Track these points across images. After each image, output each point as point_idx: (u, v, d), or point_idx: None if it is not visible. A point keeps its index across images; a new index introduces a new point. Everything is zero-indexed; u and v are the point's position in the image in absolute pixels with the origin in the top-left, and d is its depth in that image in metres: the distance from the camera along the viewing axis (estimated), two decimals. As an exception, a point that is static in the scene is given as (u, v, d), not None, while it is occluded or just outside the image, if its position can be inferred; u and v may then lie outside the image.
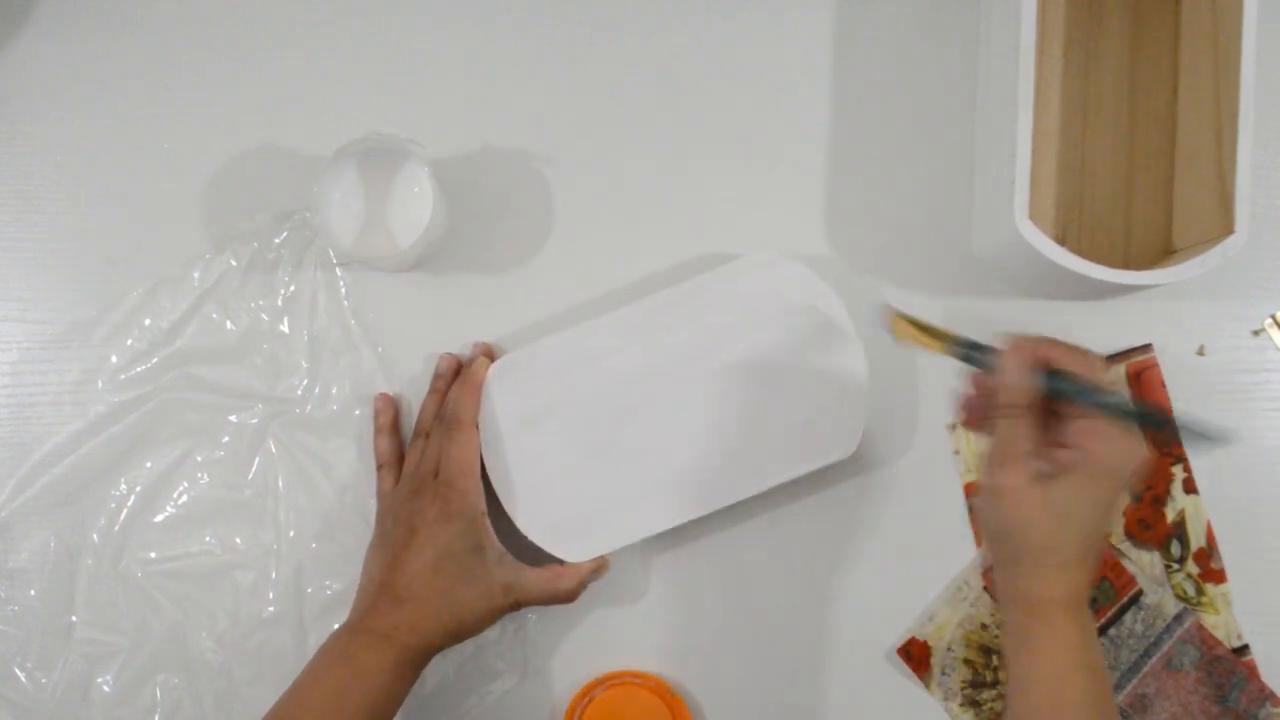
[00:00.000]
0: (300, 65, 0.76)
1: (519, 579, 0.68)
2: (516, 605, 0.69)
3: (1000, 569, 0.59)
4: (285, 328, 0.74)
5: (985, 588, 0.74)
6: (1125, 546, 0.74)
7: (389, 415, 0.73)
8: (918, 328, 0.62)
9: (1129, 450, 0.55)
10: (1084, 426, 0.56)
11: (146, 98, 0.76)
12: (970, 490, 0.74)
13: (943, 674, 0.74)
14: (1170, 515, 0.74)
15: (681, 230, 0.75)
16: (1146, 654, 0.73)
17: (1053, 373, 0.56)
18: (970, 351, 0.60)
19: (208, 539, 0.74)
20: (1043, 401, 0.57)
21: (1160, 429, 0.55)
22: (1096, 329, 0.75)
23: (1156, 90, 0.75)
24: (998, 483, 0.57)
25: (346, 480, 0.74)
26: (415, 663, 0.66)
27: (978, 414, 0.60)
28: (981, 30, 0.76)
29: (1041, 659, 0.57)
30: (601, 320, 0.71)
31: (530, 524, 0.70)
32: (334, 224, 0.71)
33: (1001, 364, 0.57)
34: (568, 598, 0.70)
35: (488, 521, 0.69)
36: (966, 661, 0.74)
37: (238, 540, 0.74)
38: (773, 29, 0.76)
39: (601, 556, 0.71)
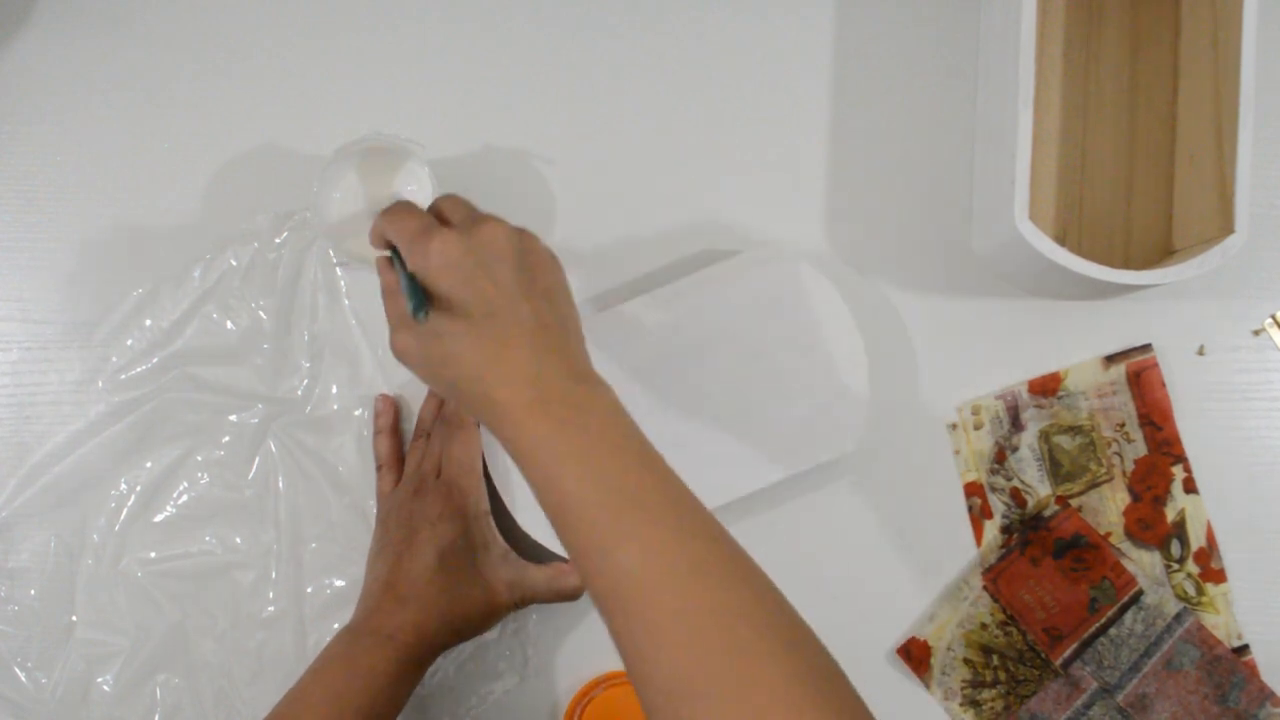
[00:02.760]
0: (300, 65, 0.76)
1: (523, 576, 0.68)
2: (522, 603, 0.69)
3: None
4: (286, 328, 0.74)
5: (985, 588, 0.74)
6: (1125, 546, 0.74)
7: (389, 416, 0.73)
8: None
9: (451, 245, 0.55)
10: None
11: (146, 98, 0.76)
12: (970, 490, 0.74)
13: (943, 674, 0.74)
14: (1170, 515, 0.74)
15: (682, 229, 0.75)
16: (1147, 654, 0.73)
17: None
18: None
19: (208, 539, 0.74)
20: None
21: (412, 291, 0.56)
22: (1096, 329, 0.75)
23: (1156, 90, 0.75)
24: (396, 346, 0.57)
25: (346, 480, 0.74)
26: (419, 663, 0.66)
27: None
28: (982, 30, 0.76)
29: (525, 466, 0.53)
30: (601, 318, 0.71)
31: (532, 522, 0.70)
32: (334, 224, 0.71)
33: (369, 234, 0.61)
34: (572, 595, 0.70)
35: (491, 520, 0.69)
36: (966, 661, 0.74)
37: (238, 540, 0.74)
38: (773, 28, 0.76)
39: (603, 555, 0.71)
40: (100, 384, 0.74)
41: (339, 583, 0.74)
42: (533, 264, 0.57)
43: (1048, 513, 0.74)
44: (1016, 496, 0.74)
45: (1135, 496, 0.74)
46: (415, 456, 0.71)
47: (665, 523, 0.50)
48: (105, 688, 0.73)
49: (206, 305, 0.74)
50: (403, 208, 0.59)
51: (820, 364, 0.70)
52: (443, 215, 0.58)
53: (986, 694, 0.74)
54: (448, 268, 0.55)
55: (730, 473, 0.70)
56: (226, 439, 0.74)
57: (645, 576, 0.49)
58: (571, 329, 0.57)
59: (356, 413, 0.74)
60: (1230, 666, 0.73)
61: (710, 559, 0.50)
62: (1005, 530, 0.74)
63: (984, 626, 0.74)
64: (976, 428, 0.75)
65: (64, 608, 0.73)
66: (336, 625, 0.73)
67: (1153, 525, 0.74)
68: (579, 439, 0.52)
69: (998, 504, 0.74)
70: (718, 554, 0.50)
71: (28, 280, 0.75)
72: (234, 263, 0.74)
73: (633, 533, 0.50)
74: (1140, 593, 0.73)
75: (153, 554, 0.74)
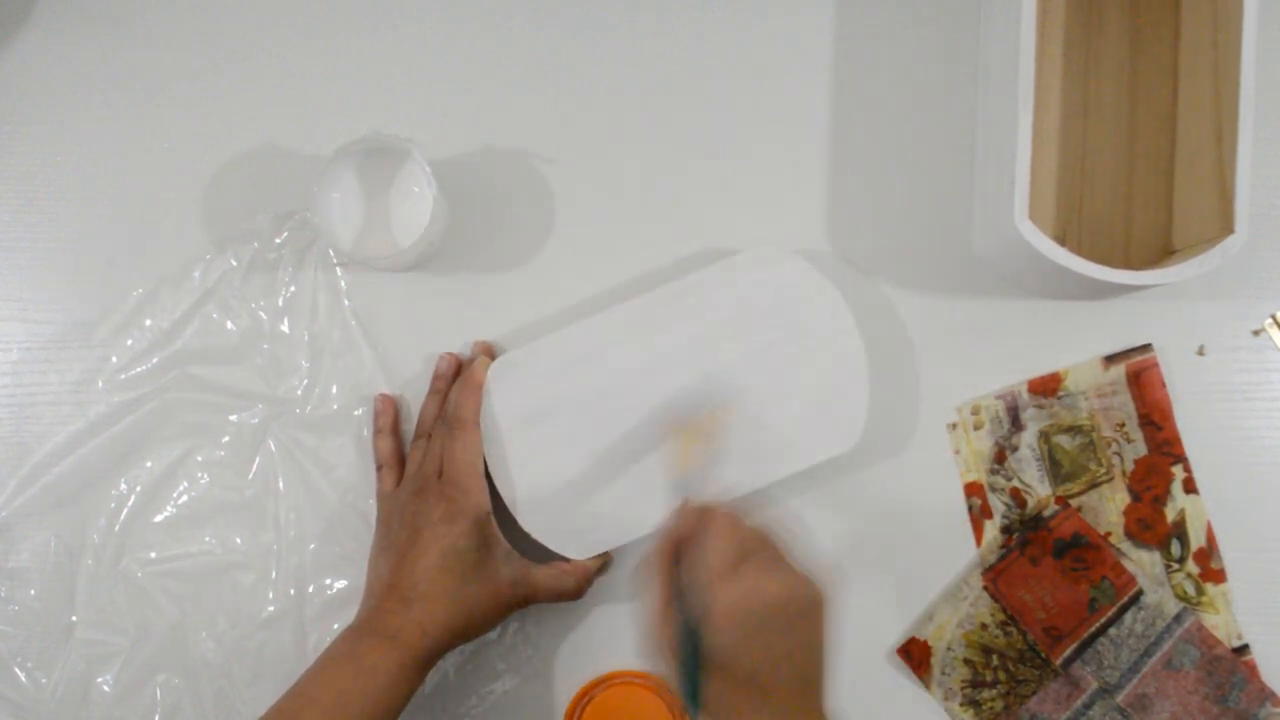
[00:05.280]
0: (300, 65, 0.76)
1: (526, 576, 0.68)
2: (524, 602, 0.69)
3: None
4: (285, 328, 0.74)
5: (985, 588, 0.74)
6: (1125, 546, 0.74)
7: (389, 416, 0.73)
8: (687, 443, 0.65)
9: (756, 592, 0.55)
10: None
11: (146, 98, 0.76)
12: (970, 490, 0.74)
13: (943, 674, 0.74)
14: (1170, 515, 0.74)
15: (682, 229, 0.75)
16: (1146, 654, 0.73)
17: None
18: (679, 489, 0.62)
19: (208, 539, 0.74)
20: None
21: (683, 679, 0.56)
22: (1096, 329, 0.75)
23: (1156, 90, 0.75)
24: (653, 633, 0.57)
25: (346, 480, 0.74)
26: (422, 664, 0.66)
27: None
28: (982, 30, 0.76)
29: None
30: (602, 317, 0.71)
31: (533, 522, 0.70)
32: (334, 224, 0.71)
33: (664, 520, 0.59)
34: (574, 595, 0.70)
35: (493, 520, 0.69)
36: (966, 661, 0.74)
37: (238, 540, 0.74)
38: (773, 28, 0.76)
39: (606, 553, 0.71)
40: (100, 384, 0.74)
41: (339, 583, 0.74)
42: (797, 621, 0.56)
43: (1048, 513, 0.74)
44: (1016, 496, 0.74)
45: (1135, 496, 0.74)
46: (416, 457, 0.71)
47: None
48: (105, 688, 0.73)
49: (206, 305, 0.74)
50: (721, 530, 0.57)
51: (820, 364, 0.70)
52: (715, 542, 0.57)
53: (986, 694, 0.74)
54: (729, 624, 0.54)
55: (730, 472, 0.70)
56: (226, 439, 0.74)
57: None
58: (817, 684, 0.57)
59: (356, 413, 0.74)
60: (1230, 666, 0.73)
61: None
62: (1005, 530, 0.74)
63: (984, 626, 0.74)
64: (976, 428, 0.75)
65: (64, 608, 0.73)
66: (337, 625, 0.73)
67: (1153, 525, 0.74)
68: None
69: (998, 504, 0.74)
70: None
71: (28, 280, 0.75)
72: (234, 263, 0.74)
73: None
74: (1140, 593, 0.73)
75: (153, 554, 0.74)
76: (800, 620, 0.56)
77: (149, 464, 0.74)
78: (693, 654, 0.54)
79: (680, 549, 0.58)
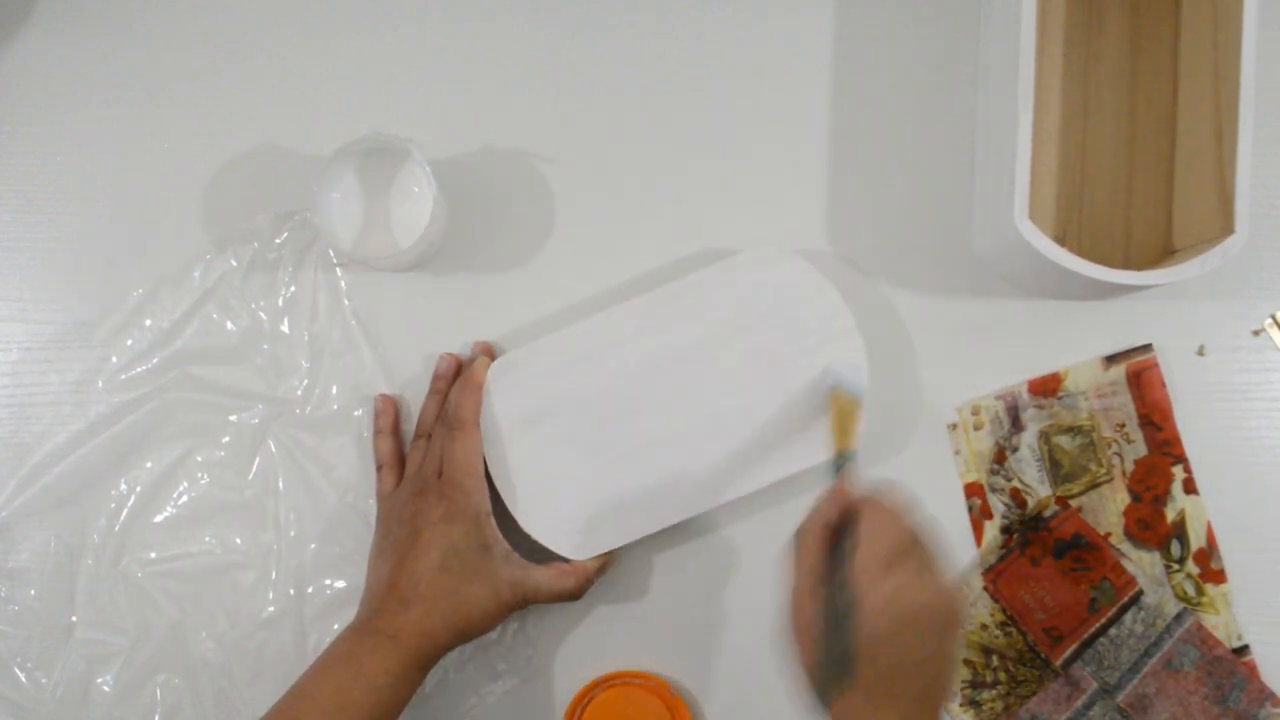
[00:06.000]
0: (300, 65, 0.76)
1: (526, 577, 0.68)
2: (524, 603, 0.69)
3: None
4: (285, 328, 0.74)
5: (985, 588, 0.74)
6: (1125, 546, 0.74)
7: (389, 416, 0.73)
8: (843, 420, 0.64)
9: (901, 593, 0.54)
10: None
11: (146, 98, 0.76)
12: (970, 490, 0.74)
13: (943, 674, 0.74)
14: (1170, 515, 0.74)
15: (682, 229, 0.75)
16: (1146, 654, 0.73)
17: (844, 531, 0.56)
18: (836, 467, 0.61)
19: (208, 539, 0.74)
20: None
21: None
22: (1096, 329, 0.75)
23: (1156, 90, 0.75)
24: (792, 614, 0.56)
25: (346, 480, 0.74)
26: (422, 664, 0.66)
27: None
28: (982, 31, 0.76)
29: None
30: (601, 317, 0.71)
31: (533, 522, 0.70)
32: (334, 224, 0.71)
33: (820, 500, 0.58)
34: (574, 595, 0.70)
35: (493, 520, 0.69)
36: (966, 662, 0.74)
37: (238, 540, 0.74)
38: (773, 28, 0.76)
39: (606, 554, 0.71)
40: (100, 384, 0.74)
41: (339, 583, 0.74)
42: (936, 632, 0.55)
43: (1048, 513, 0.74)
44: (1016, 497, 0.74)
45: (1135, 497, 0.74)
46: (416, 457, 0.71)
47: None
48: (105, 688, 0.73)
49: (206, 305, 0.74)
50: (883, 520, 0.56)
51: (820, 364, 0.70)
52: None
53: (986, 694, 0.74)
54: (877, 621, 0.53)
55: (733, 471, 0.70)
56: (226, 439, 0.74)
57: None
58: (937, 700, 0.56)
59: (356, 413, 0.74)
60: (1230, 667, 0.73)
61: None
62: (1005, 530, 0.74)
63: (984, 627, 0.74)
64: (976, 428, 0.75)
65: (64, 608, 0.73)
66: (337, 625, 0.73)
67: (1153, 525, 0.74)
68: None
69: (998, 504, 0.74)
70: None
71: (28, 280, 0.75)
72: (234, 263, 0.74)
73: None
74: (1140, 593, 0.73)
75: (153, 554, 0.74)
76: (939, 631, 0.55)
77: (149, 464, 0.74)
78: (834, 642, 0.53)
79: (831, 534, 0.57)
